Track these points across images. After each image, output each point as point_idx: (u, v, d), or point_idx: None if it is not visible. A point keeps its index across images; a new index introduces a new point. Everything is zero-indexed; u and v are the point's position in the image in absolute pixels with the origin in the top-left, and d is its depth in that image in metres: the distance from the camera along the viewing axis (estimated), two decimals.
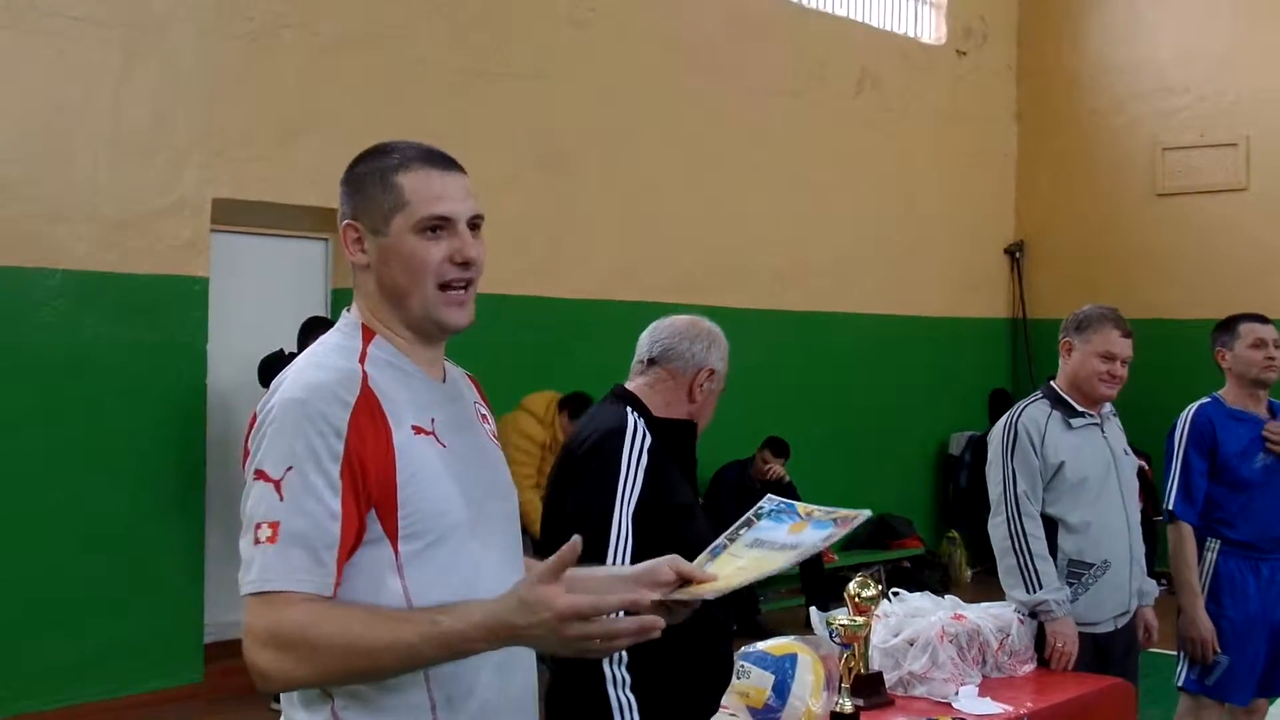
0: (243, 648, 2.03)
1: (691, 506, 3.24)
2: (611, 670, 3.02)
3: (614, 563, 2.94)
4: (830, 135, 11.10)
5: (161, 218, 7.42)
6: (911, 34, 12.08)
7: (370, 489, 2.05)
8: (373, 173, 2.21)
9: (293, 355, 7.51)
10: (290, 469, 2.03)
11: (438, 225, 2.18)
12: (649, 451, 3.18)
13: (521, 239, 8.85)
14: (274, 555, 2.01)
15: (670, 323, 3.44)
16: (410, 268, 2.18)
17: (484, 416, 2.39)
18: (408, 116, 8.26)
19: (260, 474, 2.05)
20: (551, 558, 1.98)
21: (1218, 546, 5.06)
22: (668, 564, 2.27)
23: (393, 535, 2.08)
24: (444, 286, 2.19)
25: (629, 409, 3.28)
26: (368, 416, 2.07)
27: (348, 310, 2.29)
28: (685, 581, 2.24)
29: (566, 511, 3.18)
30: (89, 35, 7.15)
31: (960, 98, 12.30)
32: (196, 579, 7.58)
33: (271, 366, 7.34)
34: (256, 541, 2.03)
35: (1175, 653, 5.15)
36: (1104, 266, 11.99)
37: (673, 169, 9.90)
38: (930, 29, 12.26)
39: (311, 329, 7.44)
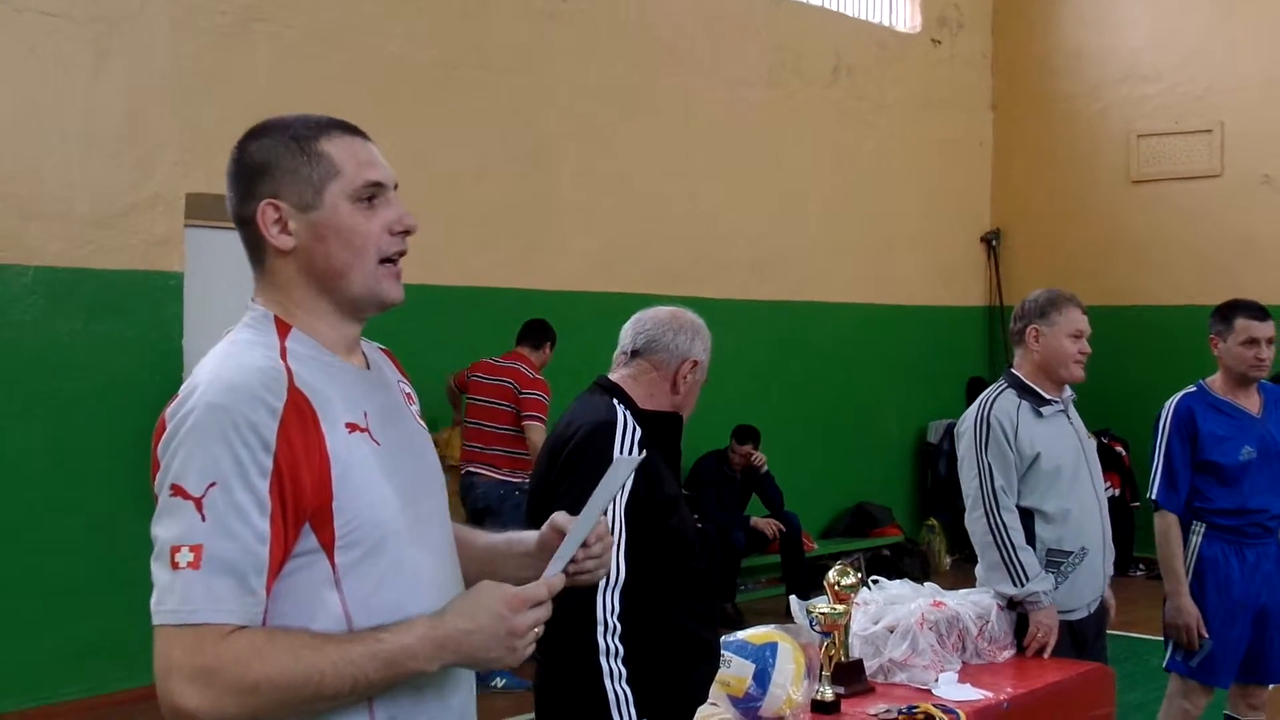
0: (157, 683, 1.85)
1: (677, 498, 3.24)
2: (607, 664, 3.01)
3: (612, 557, 2.89)
4: (805, 125, 11.10)
5: (135, 213, 7.38)
6: (886, 23, 12.09)
7: (304, 502, 1.87)
8: (283, 146, 2.02)
9: None
10: (213, 485, 1.83)
11: (373, 194, 2.02)
12: (639, 445, 3.16)
13: (497, 231, 8.85)
14: (197, 582, 1.82)
15: (653, 314, 3.42)
16: (351, 242, 2.00)
17: (409, 395, 2.22)
18: (383, 110, 8.23)
19: (177, 489, 1.86)
20: (524, 589, 1.95)
21: (1202, 530, 5.09)
22: (550, 530, 2.18)
23: (329, 546, 1.91)
24: (384, 260, 2.03)
25: (615, 401, 3.27)
26: (297, 422, 1.88)
27: (252, 303, 2.08)
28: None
29: (556, 505, 3.16)
30: (60, 30, 7.11)
31: (935, 86, 12.32)
32: None
33: None
34: (175, 566, 1.83)
35: (1153, 637, 5.19)
36: (1080, 253, 12.03)
37: (648, 161, 9.89)
38: (905, 18, 12.27)
39: None
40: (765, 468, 9.67)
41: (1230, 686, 5.24)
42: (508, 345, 8.08)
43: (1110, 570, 4.60)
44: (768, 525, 9.66)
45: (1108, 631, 4.70)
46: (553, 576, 2.02)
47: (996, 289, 12.78)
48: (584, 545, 2.11)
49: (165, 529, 1.88)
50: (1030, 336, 4.49)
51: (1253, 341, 5.03)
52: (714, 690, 3.35)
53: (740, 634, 3.42)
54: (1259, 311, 5.08)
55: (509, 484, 7.84)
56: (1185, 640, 5.04)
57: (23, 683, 6.91)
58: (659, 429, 3.27)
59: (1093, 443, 4.62)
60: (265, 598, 1.86)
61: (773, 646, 3.31)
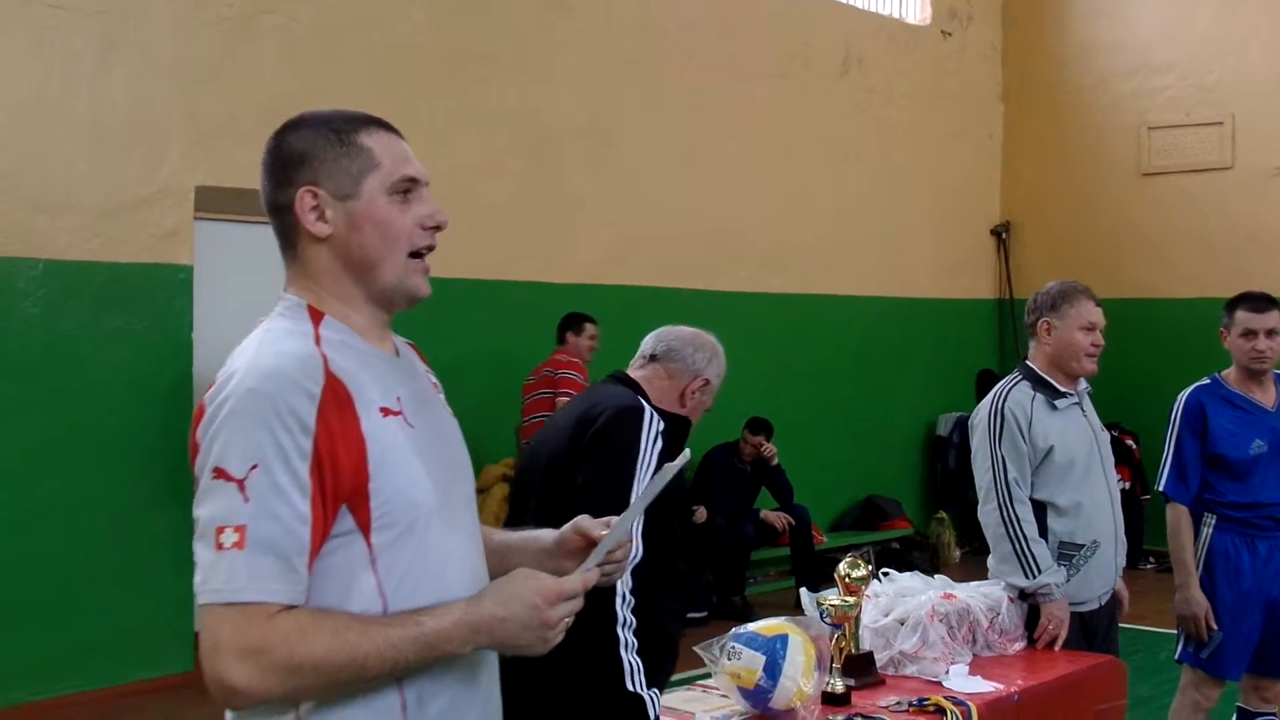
0: (204, 660, 1.89)
1: (681, 498, 3.32)
2: (623, 634, 3.07)
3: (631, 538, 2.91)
4: (815, 117, 11.08)
5: (144, 206, 7.38)
6: (896, 15, 12.06)
7: (342, 484, 1.92)
8: (323, 137, 2.08)
9: None
10: (255, 467, 1.87)
11: (408, 188, 2.08)
12: (662, 435, 3.24)
13: (507, 225, 8.84)
14: (242, 562, 1.86)
15: (678, 329, 3.60)
16: (385, 233, 2.06)
17: (436, 385, 2.28)
18: (390, 103, 8.20)
19: (219, 472, 1.88)
20: (560, 582, 2.02)
21: (1213, 522, 5.08)
22: (573, 531, 2.26)
23: (365, 528, 1.96)
24: (414, 254, 2.09)
25: (635, 394, 3.39)
26: (334, 407, 1.93)
27: (285, 292, 2.14)
28: (590, 543, 2.24)
29: (579, 481, 3.20)
30: (67, 24, 7.10)
31: (945, 79, 12.29)
32: (184, 569, 7.44)
33: None
34: (219, 547, 1.87)
35: (1165, 630, 5.18)
36: (1090, 246, 12.01)
37: (658, 153, 9.88)
38: (915, 10, 12.24)
39: None
40: (775, 460, 9.65)
41: (1242, 679, 5.23)
42: (516, 339, 8.12)
43: (1123, 563, 4.59)
44: (777, 518, 9.66)
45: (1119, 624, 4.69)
46: (589, 571, 2.10)
47: (1006, 282, 12.75)
48: (619, 544, 2.19)
49: (208, 510, 1.90)
50: (1042, 329, 4.48)
51: (1250, 333, 5.02)
52: (724, 681, 3.35)
53: (751, 626, 3.42)
54: (1260, 303, 5.07)
55: None
56: (1195, 632, 5.03)
57: (31, 676, 6.92)
58: (672, 429, 3.33)
59: (1106, 436, 4.61)
60: (307, 578, 1.91)
61: (783, 638, 3.30)
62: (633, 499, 3.07)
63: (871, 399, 11.47)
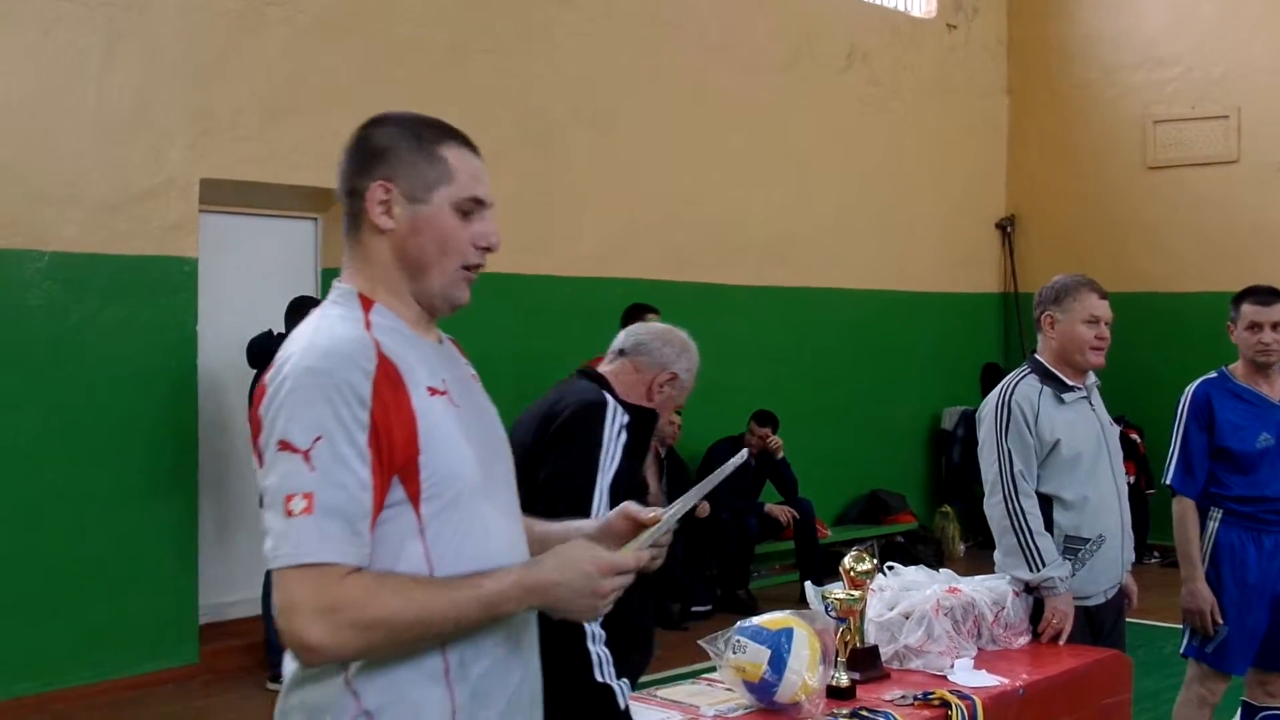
0: (280, 621, 2.00)
1: (645, 489, 3.36)
2: (590, 627, 3.15)
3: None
4: (819, 110, 11.07)
5: (149, 199, 7.38)
6: (901, 8, 12.04)
7: (396, 455, 2.04)
8: (408, 139, 2.20)
9: (282, 336, 7.53)
10: (319, 439, 1.99)
11: (473, 207, 2.22)
12: (626, 428, 3.31)
13: (510, 216, 8.74)
14: (310, 527, 1.98)
15: (650, 325, 3.66)
16: (442, 244, 2.19)
17: (474, 376, 2.39)
18: (394, 94, 8.21)
19: (285, 444, 2.00)
20: (614, 556, 2.16)
21: (1220, 516, 5.08)
22: (619, 516, 2.37)
23: (415, 499, 2.08)
24: (465, 268, 2.23)
25: (599, 387, 3.44)
26: (387, 384, 2.06)
27: (338, 281, 2.24)
28: (638, 528, 2.35)
29: (542, 475, 3.27)
30: (72, 16, 7.10)
31: (950, 72, 12.27)
32: (190, 561, 7.56)
33: (261, 346, 7.32)
34: (289, 514, 1.98)
35: (1169, 625, 5.18)
36: (1095, 240, 11.99)
37: (661, 146, 9.86)
38: (920, 2, 12.22)
39: (298, 309, 7.42)
40: (781, 453, 9.66)
41: (1247, 673, 5.22)
42: (519, 331, 8.10)
43: (1131, 557, 4.58)
44: (782, 512, 9.67)
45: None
46: (642, 550, 2.24)
47: (1011, 275, 12.74)
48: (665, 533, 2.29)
49: (276, 480, 2.01)
50: (1046, 323, 4.49)
51: (1256, 326, 5.03)
52: (729, 675, 3.35)
53: (755, 619, 3.41)
54: (1266, 297, 5.07)
55: None
56: (1200, 625, 5.03)
57: (35, 667, 6.93)
58: (637, 422, 3.39)
59: (1115, 430, 4.60)
60: (370, 541, 2.03)
61: (788, 632, 3.30)
62: (596, 493, 3.19)
63: (876, 393, 11.46)
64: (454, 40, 8.66)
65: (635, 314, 8.56)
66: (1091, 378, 4.55)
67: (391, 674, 2.07)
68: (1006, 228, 12.82)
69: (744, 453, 2.51)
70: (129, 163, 7.31)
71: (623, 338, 3.60)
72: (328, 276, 8.31)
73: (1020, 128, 12.82)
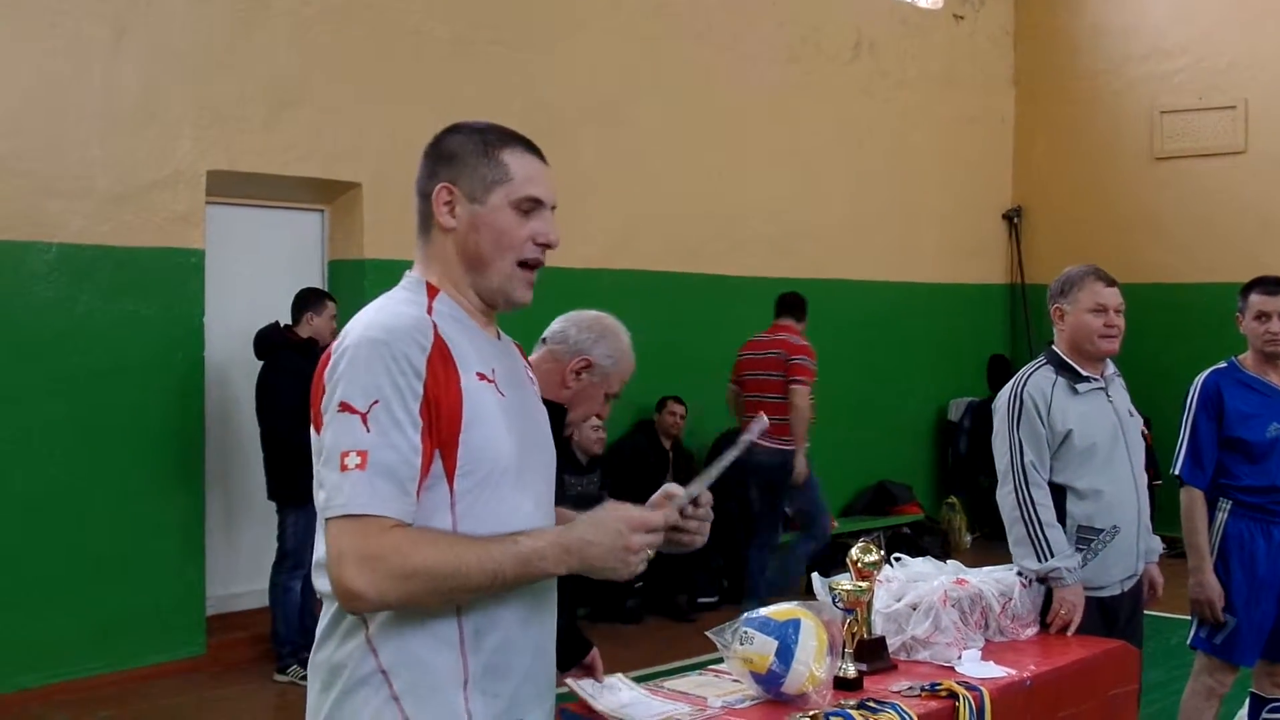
0: (329, 569, 2.13)
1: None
2: None
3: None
4: (826, 101, 11.05)
5: (156, 191, 7.38)
6: None
7: (442, 429, 2.18)
8: (474, 144, 2.36)
9: (288, 327, 7.53)
10: (376, 403, 2.14)
11: (532, 206, 2.37)
12: None
13: None
14: (363, 482, 2.11)
15: (580, 311, 3.56)
16: (499, 240, 2.34)
17: (531, 378, 2.53)
18: (401, 87, 8.23)
19: (345, 405, 2.15)
20: (643, 512, 2.27)
21: (1229, 507, 5.08)
22: (660, 496, 2.42)
23: (450, 474, 2.20)
24: (523, 264, 2.38)
25: None
26: (440, 361, 2.20)
27: (411, 271, 2.40)
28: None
29: None
30: (79, 9, 7.10)
31: (957, 62, 12.25)
32: (197, 552, 7.58)
33: (268, 339, 7.32)
34: (344, 469, 2.12)
35: (1177, 616, 5.18)
36: (1102, 231, 11.97)
37: (668, 137, 9.86)
38: None
39: (305, 301, 7.42)
40: None
41: (1255, 664, 5.22)
42: (525, 324, 8.04)
43: (1158, 548, 4.59)
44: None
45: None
46: (671, 509, 2.33)
47: (1018, 266, 12.73)
48: (695, 504, 2.38)
49: (334, 438, 2.16)
50: (1056, 315, 4.53)
51: (1264, 316, 5.03)
52: (736, 666, 3.35)
53: (763, 610, 3.41)
54: (1274, 286, 5.08)
55: (785, 450, 8.53)
56: (1208, 617, 5.03)
57: (47, 657, 6.95)
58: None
59: (1136, 421, 4.59)
60: (416, 502, 2.17)
61: (795, 623, 3.29)
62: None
63: (882, 384, 11.45)
64: (460, 33, 8.65)
65: (795, 304, 9.02)
66: (1111, 369, 4.56)
67: (406, 635, 2.20)
68: (1013, 219, 12.80)
69: (763, 418, 2.55)
70: (136, 155, 7.31)
71: (550, 327, 3.55)
72: (334, 268, 8.31)
73: (1027, 119, 12.80)
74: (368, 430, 2.13)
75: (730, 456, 2.44)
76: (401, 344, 2.18)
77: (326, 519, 2.15)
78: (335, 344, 2.26)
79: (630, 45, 9.63)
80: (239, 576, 8.00)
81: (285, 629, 7.35)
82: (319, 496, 2.17)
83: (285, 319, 7.38)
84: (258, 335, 7.39)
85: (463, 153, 2.35)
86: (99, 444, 7.17)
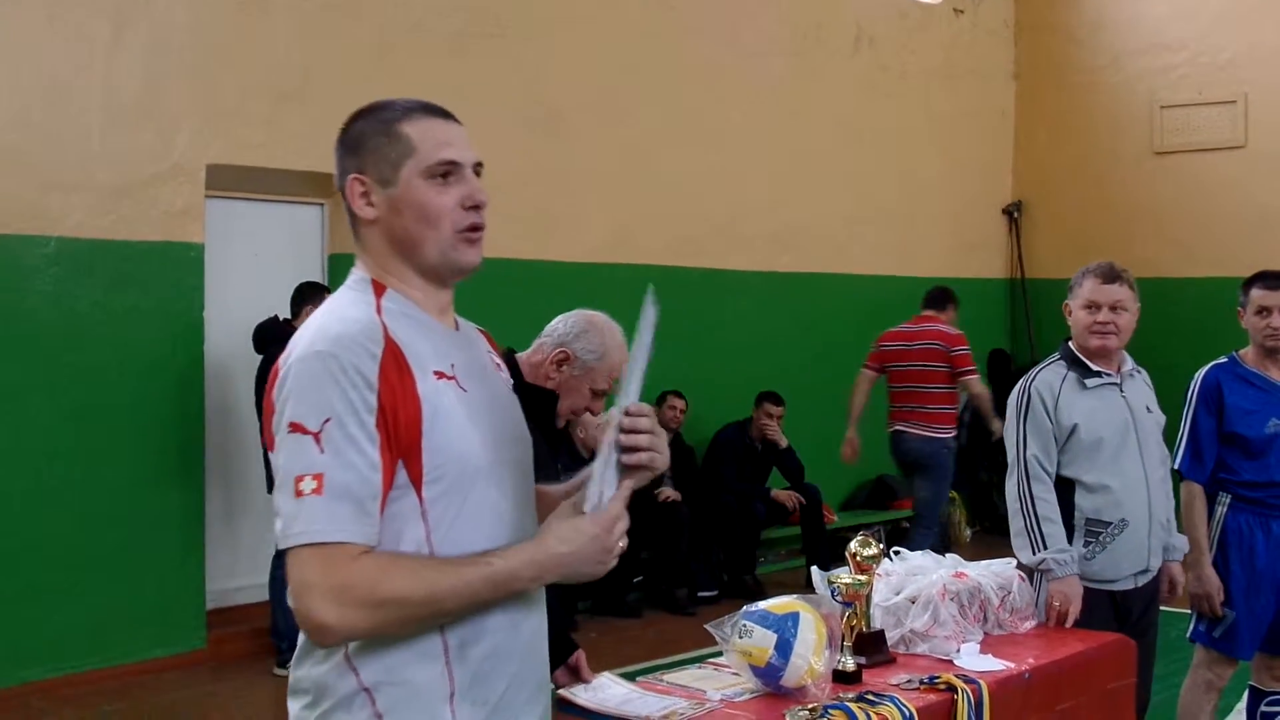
0: (293, 600, 2.02)
1: (553, 460, 3.33)
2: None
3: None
4: (827, 95, 11.04)
5: (156, 184, 7.38)
6: None
7: (400, 438, 2.06)
8: (375, 125, 2.22)
9: (288, 321, 7.52)
10: (328, 421, 2.02)
11: (447, 171, 2.20)
12: None
13: (517, 203, 8.80)
14: (321, 507, 2.00)
15: (578, 310, 3.67)
16: (424, 215, 2.19)
17: (498, 365, 2.42)
18: (401, 80, 8.20)
19: (295, 426, 2.03)
20: (606, 512, 2.13)
21: (1228, 501, 5.08)
22: (597, 427, 2.36)
23: (417, 482, 2.09)
24: (460, 231, 2.22)
25: None
26: (394, 366, 2.08)
27: (354, 269, 2.28)
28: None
29: None
30: (80, 2, 7.10)
31: (957, 57, 12.24)
32: (197, 546, 7.58)
33: (267, 332, 7.32)
34: (299, 494, 2.01)
35: (1175, 609, 5.18)
36: (1102, 226, 11.96)
37: (668, 131, 9.85)
38: None
39: (304, 295, 7.42)
40: (785, 442, 9.67)
41: (1254, 658, 5.22)
42: (526, 318, 7.97)
43: (1180, 546, 4.61)
44: (788, 497, 9.67)
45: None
46: (615, 493, 2.15)
47: (1018, 261, 12.71)
48: (626, 414, 2.18)
49: (288, 461, 2.04)
50: (1065, 312, 4.61)
51: (1264, 310, 5.04)
52: (735, 660, 3.35)
53: (762, 604, 3.42)
54: (1275, 281, 5.07)
55: (937, 439, 8.75)
56: (1207, 610, 5.04)
57: (45, 653, 6.95)
58: (532, 403, 3.29)
59: (1154, 418, 4.60)
60: (379, 521, 2.05)
61: (794, 616, 3.30)
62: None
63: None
64: (460, 26, 8.65)
65: (940, 296, 9.16)
66: (1130, 365, 4.60)
67: (388, 653, 2.10)
68: (1013, 213, 12.79)
69: (651, 293, 2.32)
70: (136, 148, 7.31)
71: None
72: (334, 262, 8.32)
73: (1027, 113, 12.79)
74: (321, 451, 2.01)
75: (642, 357, 2.26)
76: (350, 355, 2.05)
77: (286, 549, 2.02)
78: (282, 357, 2.14)
79: (631, 40, 9.62)
80: (239, 570, 8.01)
81: (285, 623, 7.35)
82: (276, 524, 2.05)
83: (285, 313, 7.38)
84: (257, 329, 7.39)
85: (365, 137, 2.21)
86: (98, 438, 7.17)
